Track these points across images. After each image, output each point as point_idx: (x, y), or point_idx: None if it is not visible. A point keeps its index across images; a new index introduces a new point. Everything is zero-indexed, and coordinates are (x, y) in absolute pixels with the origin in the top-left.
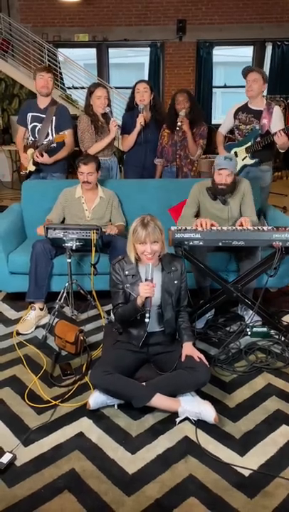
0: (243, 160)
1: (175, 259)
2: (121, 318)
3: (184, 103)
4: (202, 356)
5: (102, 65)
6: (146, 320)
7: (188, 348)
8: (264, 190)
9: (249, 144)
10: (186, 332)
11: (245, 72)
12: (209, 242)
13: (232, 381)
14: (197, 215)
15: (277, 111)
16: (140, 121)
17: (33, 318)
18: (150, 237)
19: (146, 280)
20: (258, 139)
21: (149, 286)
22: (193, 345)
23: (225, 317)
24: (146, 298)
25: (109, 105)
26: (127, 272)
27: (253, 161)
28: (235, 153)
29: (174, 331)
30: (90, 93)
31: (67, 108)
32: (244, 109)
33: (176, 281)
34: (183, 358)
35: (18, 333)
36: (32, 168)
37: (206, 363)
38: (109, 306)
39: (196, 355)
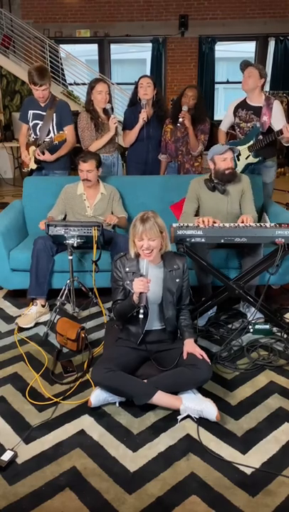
0: (246, 159)
1: (177, 258)
2: (118, 314)
3: (191, 99)
4: (203, 353)
5: (104, 61)
6: (140, 316)
7: (189, 345)
8: (268, 186)
9: (251, 142)
10: (187, 329)
11: (243, 66)
12: (211, 239)
13: (234, 379)
14: (197, 212)
15: (276, 106)
16: (142, 117)
17: (34, 313)
18: (147, 233)
19: (140, 276)
20: (260, 136)
21: (143, 281)
22: (195, 342)
23: (227, 314)
24: (141, 293)
25: (109, 101)
26: (127, 269)
27: (256, 160)
28: (238, 151)
29: (175, 329)
30: (91, 88)
31: (68, 104)
32: (243, 105)
33: (177, 280)
34: (185, 356)
35: (18, 327)
36: (34, 166)
37: (208, 359)
38: (111, 303)
39: (198, 352)
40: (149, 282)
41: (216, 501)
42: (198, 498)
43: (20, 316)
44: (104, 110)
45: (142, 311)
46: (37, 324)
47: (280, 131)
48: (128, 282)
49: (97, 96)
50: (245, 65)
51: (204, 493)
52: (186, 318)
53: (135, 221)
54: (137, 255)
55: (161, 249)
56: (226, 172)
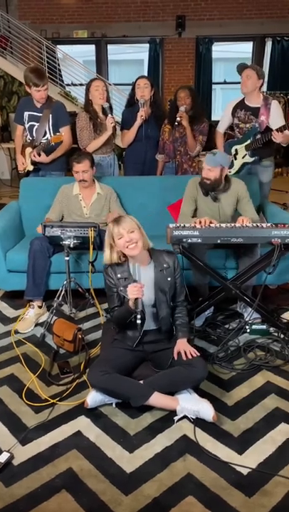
0: (242, 158)
1: (166, 255)
2: (117, 321)
3: (184, 99)
4: (196, 351)
5: (101, 62)
6: (138, 321)
7: (180, 345)
8: (265, 186)
9: (248, 141)
10: (180, 328)
11: (240, 69)
12: (207, 240)
13: (231, 379)
14: (195, 213)
15: (275, 106)
16: (141, 115)
17: (32, 317)
18: (125, 226)
19: (133, 281)
20: (258, 136)
21: (136, 287)
22: (189, 341)
23: (224, 314)
24: (136, 299)
25: (108, 100)
26: (119, 275)
27: (252, 159)
28: (236, 150)
29: (171, 328)
30: (88, 88)
31: (64, 104)
32: (241, 106)
33: (169, 278)
34: (175, 355)
35: (17, 332)
36: (30, 167)
37: (201, 358)
38: (109, 310)
39: (189, 350)
40: (142, 287)
41: (213, 502)
42: (194, 499)
43: (17, 318)
44: (103, 110)
45: (139, 316)
46: (34, 325)
47: (270, 133)
48: (122, 288)
49: (95, 92)
50: (241, 67)
51: (201, 494)
52: (181, 316)
53: (109, 227)
54: (125, 258)
55: (145, 245)
56: (204, 180)
